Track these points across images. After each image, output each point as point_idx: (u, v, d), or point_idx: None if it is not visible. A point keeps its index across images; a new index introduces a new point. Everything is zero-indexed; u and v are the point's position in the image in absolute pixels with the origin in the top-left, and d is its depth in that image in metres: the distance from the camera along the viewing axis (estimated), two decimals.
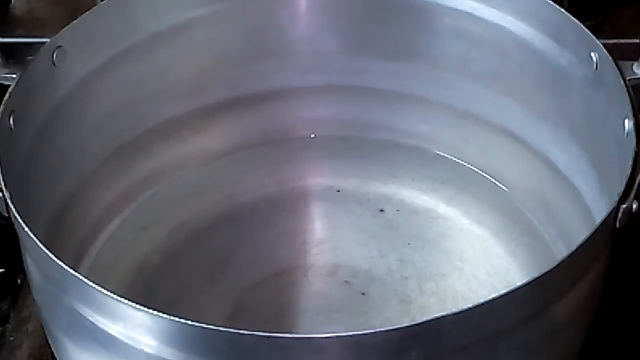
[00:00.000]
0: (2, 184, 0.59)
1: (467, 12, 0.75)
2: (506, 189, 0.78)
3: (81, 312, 0.55)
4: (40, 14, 0.93)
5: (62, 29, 0.69)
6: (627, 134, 0.61)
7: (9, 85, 0.65)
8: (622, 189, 0.57)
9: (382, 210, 0.78)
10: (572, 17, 0.69)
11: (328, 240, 0.77)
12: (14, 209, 0.58)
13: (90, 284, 0.53)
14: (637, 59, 0.66)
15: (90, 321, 0.54)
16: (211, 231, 0.77)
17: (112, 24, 0.73)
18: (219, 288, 0.73)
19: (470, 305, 0.51)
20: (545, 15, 0.71)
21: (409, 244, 0.76)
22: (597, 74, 0.67)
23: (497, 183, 0.79)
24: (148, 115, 0.77)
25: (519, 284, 0.52)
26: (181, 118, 0.79)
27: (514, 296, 0.52)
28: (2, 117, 0.63)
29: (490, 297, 0.51)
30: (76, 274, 0.53)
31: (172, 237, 0.76)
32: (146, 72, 0.76)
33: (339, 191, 0.80)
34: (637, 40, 0.71)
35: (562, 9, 0.70)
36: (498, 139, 0.78)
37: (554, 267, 0.53)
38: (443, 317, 0.51)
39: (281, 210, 0.79)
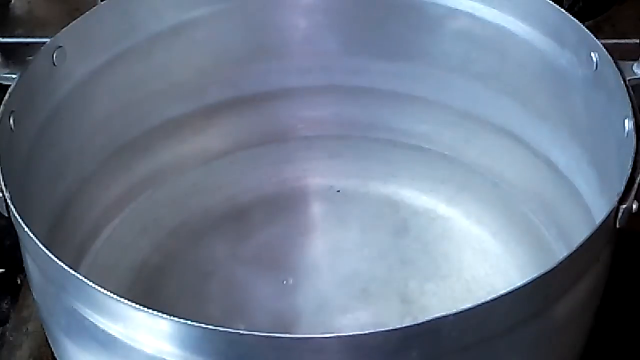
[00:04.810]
0: (2, 184, 0.59)
1: (467, 12, 0.75)
2: (506, 189, 0.78)
3: (81, 312, 0.55)
4: (40, 14, 0.93)
5: (62, 29, 0.69)
6: (627, 134, 0.61)
7: (9, 85, 0.65)
8: (622, 189, 0.57)
9: (382, 210, 0.78)
10: (572, 17, 0.69)
11: (328, 240, 0.77)
12: (14, 209, 0.58)
13: (90, 284, 0.53)
14: (637, 59, 0.66)
15: (90, 321, 0.54)
16: (211, 231, 0.77)
17: (112, 24, 0.72)
18: (219, 288, 0.73)
19: (470, 305, 0.51)
20: (545, 15, 0.71)
21: (409, 244, 0.76)
22: (597, 74, 0.67)
23: (497, 183, 0.79)
24: (148, 115, 0.77)
25: (519, 284, 0.52)
26: (181, 118, 0.79)
27: (514, 296, 0.52)
28: (2, 117, 0.63)
29: (490, 297, 0.51)
30: (76, 274, 0.53)
31: (172, 237, 0.76)
32: (146, 72, 0.76)
33: (339, 191, 0.80)
34: (637, 40, 0.71)
35: (562, 9, 0.70)
36: (498, 139, 0.78)
37: (554, 267, 0.53)
38: (443, 317, 0.51)
39: (281, 210, 0.79)
